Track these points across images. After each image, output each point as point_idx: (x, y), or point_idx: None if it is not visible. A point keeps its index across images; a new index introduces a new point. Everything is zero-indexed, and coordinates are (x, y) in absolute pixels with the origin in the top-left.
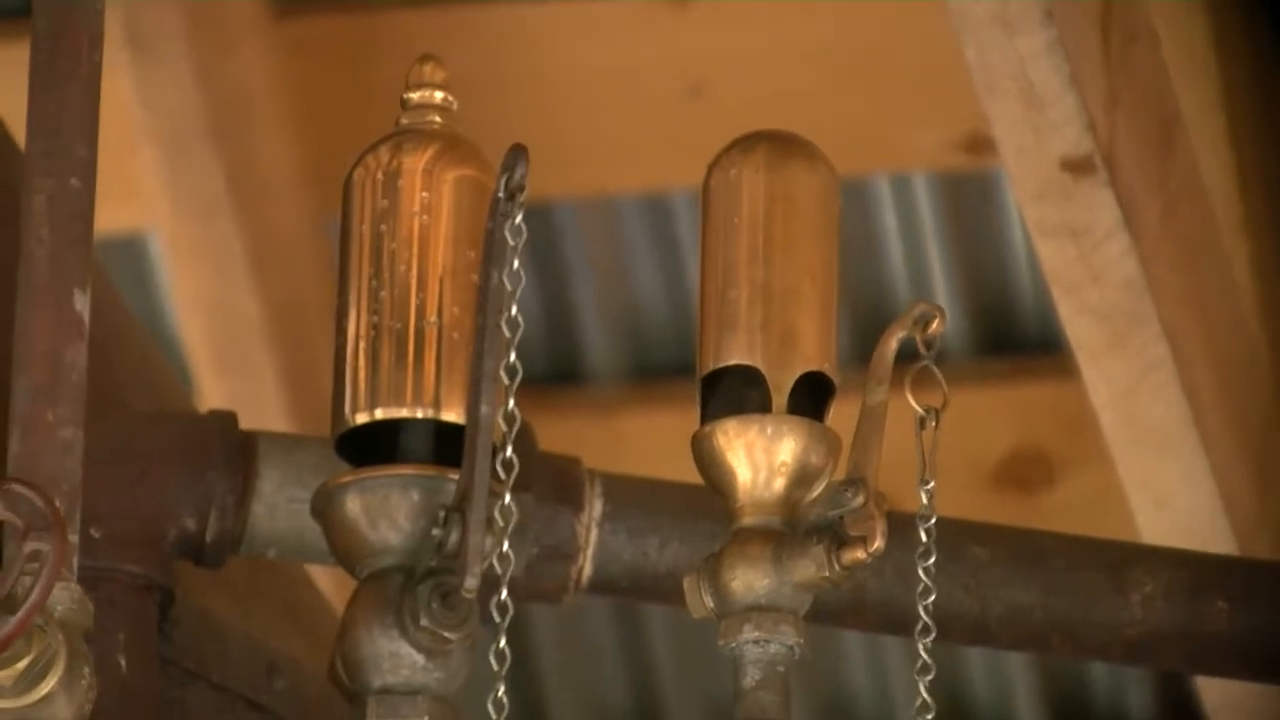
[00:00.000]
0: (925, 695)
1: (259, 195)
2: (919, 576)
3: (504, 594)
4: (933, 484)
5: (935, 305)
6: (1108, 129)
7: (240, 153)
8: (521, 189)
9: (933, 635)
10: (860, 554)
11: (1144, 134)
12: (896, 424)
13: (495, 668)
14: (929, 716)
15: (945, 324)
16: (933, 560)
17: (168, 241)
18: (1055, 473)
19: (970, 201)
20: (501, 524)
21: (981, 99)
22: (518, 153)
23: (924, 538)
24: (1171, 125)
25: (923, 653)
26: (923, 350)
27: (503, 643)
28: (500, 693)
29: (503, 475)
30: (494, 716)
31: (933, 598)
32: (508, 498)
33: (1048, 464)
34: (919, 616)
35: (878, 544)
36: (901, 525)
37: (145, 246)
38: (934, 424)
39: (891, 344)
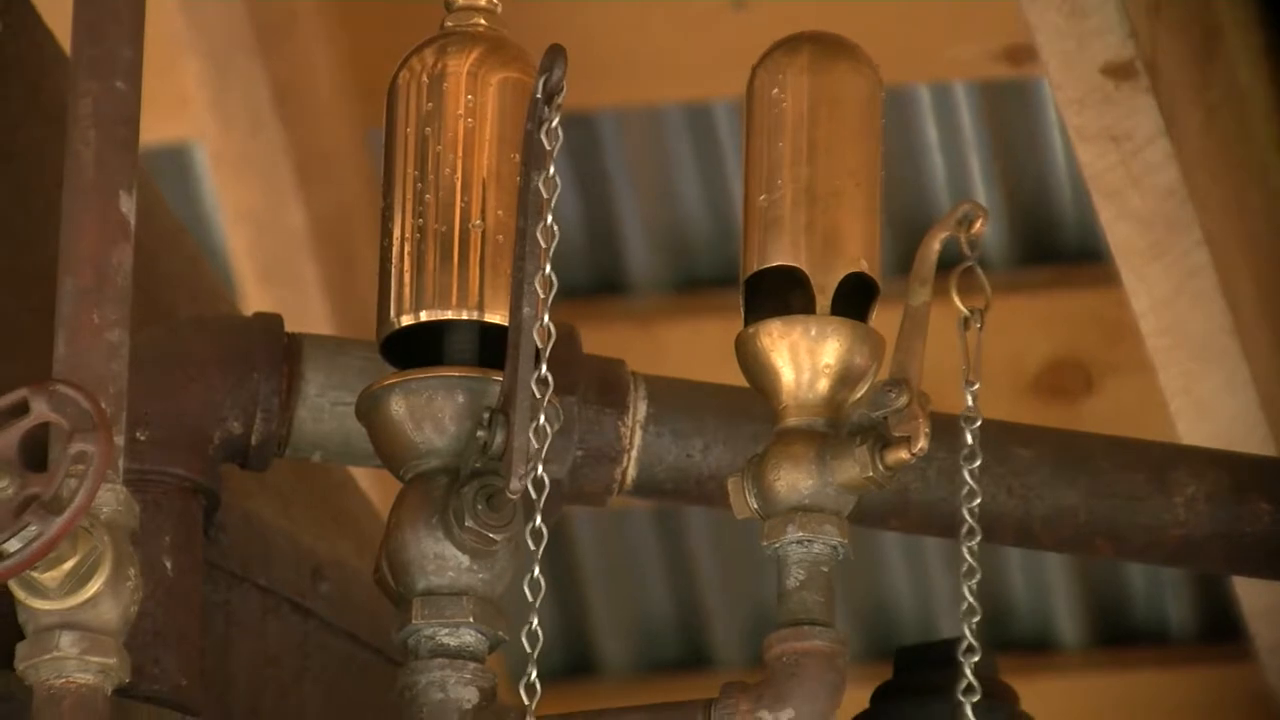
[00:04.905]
0: (970, 598)
1: (304, 108)
2: (964, 479)
3: (538, 520)
4: (977, 385)
5: (979, 205)
6: (1150, 36)
7: (286, 65)
8: (560, 91)
9: (978, 538)
10: (903, 454)
11: (1186, 43)
12: (939, 330)
13: (530, 599)
14: (975, 619)
15: (988, 224)
16: (978, 463)
17: (214, 153)
18: (1095, 381)
19: (1012, 112)
20: (536, 446)
21: (1024, 7)
22: (555, 53)
23: (969, 439)
24: (1213, 36)
25: (967, 555)
26: (966, 251)
27: (536, 571)
28: (534, 625)
29: (536, 393)
30: (527, 648)
31: (978, 501)
32: (543, 418)
33: (1087, 372)
34: (963, 519)
35: (921, 444)
36: (944, 426)
37: (191, 158)
38: (978, 325)
39: (934, 244)
